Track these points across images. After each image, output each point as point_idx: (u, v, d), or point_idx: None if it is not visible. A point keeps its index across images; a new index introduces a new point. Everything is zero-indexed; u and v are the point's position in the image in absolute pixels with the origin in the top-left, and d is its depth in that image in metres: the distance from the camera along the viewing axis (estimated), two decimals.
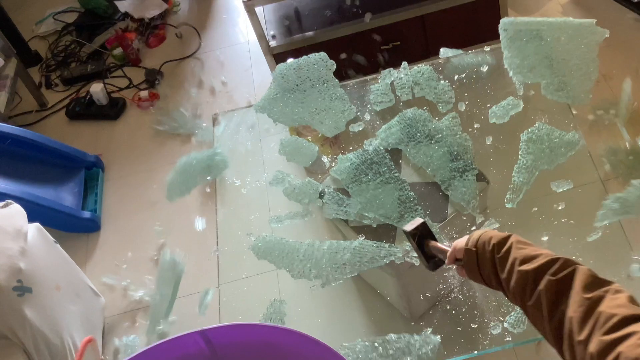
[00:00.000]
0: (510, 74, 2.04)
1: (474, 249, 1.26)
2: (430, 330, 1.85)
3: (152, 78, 3.56)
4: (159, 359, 1.53)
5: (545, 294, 1.05)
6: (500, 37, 2.09)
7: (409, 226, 1.52)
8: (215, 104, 3.37)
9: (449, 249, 1.39)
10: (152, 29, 3.83)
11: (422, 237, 1.52)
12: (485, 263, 1.23)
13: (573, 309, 0.99)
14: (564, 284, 1.04)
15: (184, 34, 3.82)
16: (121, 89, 3.57)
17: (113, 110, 3.45)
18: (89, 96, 3.47)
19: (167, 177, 2.23)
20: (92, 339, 1.95)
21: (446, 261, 1.40)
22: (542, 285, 1.06)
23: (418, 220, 1.53)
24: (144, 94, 3.49)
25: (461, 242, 1.33)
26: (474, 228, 1.91)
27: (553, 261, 1.08)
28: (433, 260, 1.52)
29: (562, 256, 1.09)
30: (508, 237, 1.21)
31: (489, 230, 1.28)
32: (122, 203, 3.07)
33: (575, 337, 0.96)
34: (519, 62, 2.05)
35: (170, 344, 1.51)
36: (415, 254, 1.71)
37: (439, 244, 1.48)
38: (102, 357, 2.11)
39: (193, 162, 2.23)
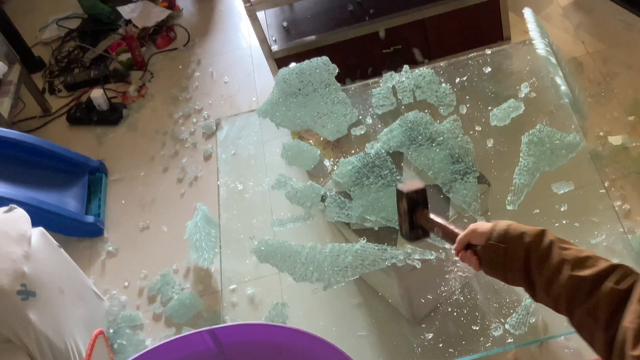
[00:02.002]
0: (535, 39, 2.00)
1: (502, 245, 1.18)
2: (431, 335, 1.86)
3: (123, 74, 3.68)
4: (167, 356, 1.55)
5: (606, 303, 1.02)
6: (528, 20, 2.06)
7: (407, 187, 1.39)
8: (218, 109, 3.39)
9: (459, 232, 1.29)
10: (156, 32, 3.86)
11: (415, 203, 1.39)
12: (515, 261, 1.17)
13: (629, 319, 0.96)
14: (627, 293, 1.01)
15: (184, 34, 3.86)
16: (123, 93, 3.59)
17: (114, 115, 3.46)
18: (89, 102, 3.48)
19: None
20: (102, 332, 1.93)
21: (455, 245, 1.30)
22: (603, 292, 1.03)
23: (418, 184, 1.40)
24: (131, 89, 3.60)
25: (481, 228, 1.24)
26: None
27: (613, 267, 1.05)
28: (416, 230, 1.40)
29: (618, 262, 1.06)
30: (543, 233, 1.16)
31: (516, 224, 1.21)
32: (125, 207, 3.08)
33: (629, 350, 0.93)
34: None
35: (179, 341, 1.52)
36: (400, 226, 1.51)
37: (440, 220, 1.34)
38: (112, 356, 2.12)
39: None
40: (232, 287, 2.19)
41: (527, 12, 2.09)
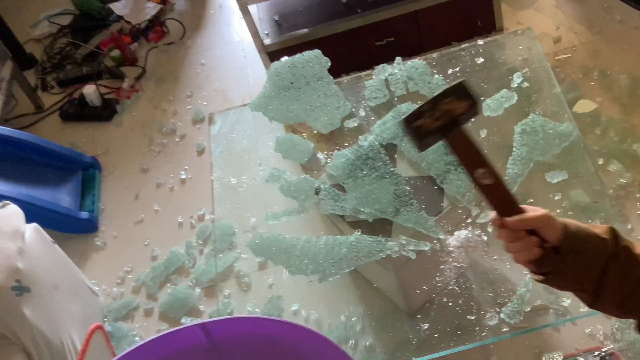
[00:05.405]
0: None
1: (583, 256, 1.02)
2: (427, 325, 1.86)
3: (116, 70, 3.68)
4: (158, 351, 1.54)
5: None
6: None
7: (467, 89, 1.04)
8: (211, 103, 3.38)
9: (522, 207, 1.06)
10: (148, 28, 3.85)
11: (467, 118, 1.08)
12: (592, 273, 1.03)
13: None
14: None
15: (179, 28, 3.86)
16: (116, 89, 3.58)
17: (106, 111, 3.45)
18: (82, 98, 3.47)
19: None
20: (100, 326, 1.92)
21: (515, 221, 1.05)
22: None
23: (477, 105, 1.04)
24: (125, 85, 3.58)
25: (555, 221, 1.04)
26: (469, 220, 1.92)
27: None
28: (434, 136, 1.07)
29: None
30: (615, 235, 1.04)
31: (582, 225, 1.05)
32: (119, 203, 3.08)
33: None
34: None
35: (170, 336, 1.52)
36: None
37: (489, 163, 1.06)
38: (113, 350, 2.11)
39: None
40: (226, 280, 2.19)
41: None
